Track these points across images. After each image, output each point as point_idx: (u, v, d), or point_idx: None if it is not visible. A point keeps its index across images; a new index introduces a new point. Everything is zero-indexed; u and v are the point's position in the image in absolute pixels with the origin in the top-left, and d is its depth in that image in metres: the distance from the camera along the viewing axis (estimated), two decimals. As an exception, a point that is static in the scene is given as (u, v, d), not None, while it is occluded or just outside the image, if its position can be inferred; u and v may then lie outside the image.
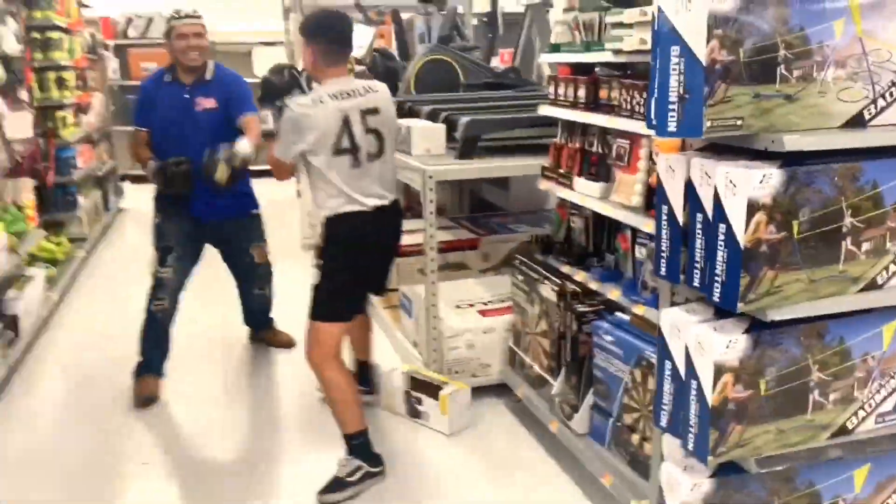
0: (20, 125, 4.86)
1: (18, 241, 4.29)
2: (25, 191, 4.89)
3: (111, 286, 5.48)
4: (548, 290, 3.10)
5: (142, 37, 9.62)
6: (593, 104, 2.84)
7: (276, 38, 8.85)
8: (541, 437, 3.17)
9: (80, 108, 6.59)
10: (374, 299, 4.70)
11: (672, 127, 1.74)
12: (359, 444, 2.89)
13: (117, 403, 3.61)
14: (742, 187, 1.69)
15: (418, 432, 3.28)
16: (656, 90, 1.77)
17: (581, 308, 2.93)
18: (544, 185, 3.19)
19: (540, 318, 3.19)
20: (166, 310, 3.73)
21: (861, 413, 1.97)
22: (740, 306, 1.75)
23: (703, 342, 1.81)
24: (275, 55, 9.12)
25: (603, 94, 2.79)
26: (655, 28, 1.77)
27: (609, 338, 2.70)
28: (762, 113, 1.73)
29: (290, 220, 6.68)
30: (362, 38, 6.26)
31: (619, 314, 2.77)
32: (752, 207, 1.69)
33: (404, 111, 4.35)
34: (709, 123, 1.70)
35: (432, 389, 3.27)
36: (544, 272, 3.17)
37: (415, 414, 3.34)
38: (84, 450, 3.21)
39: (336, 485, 2.82)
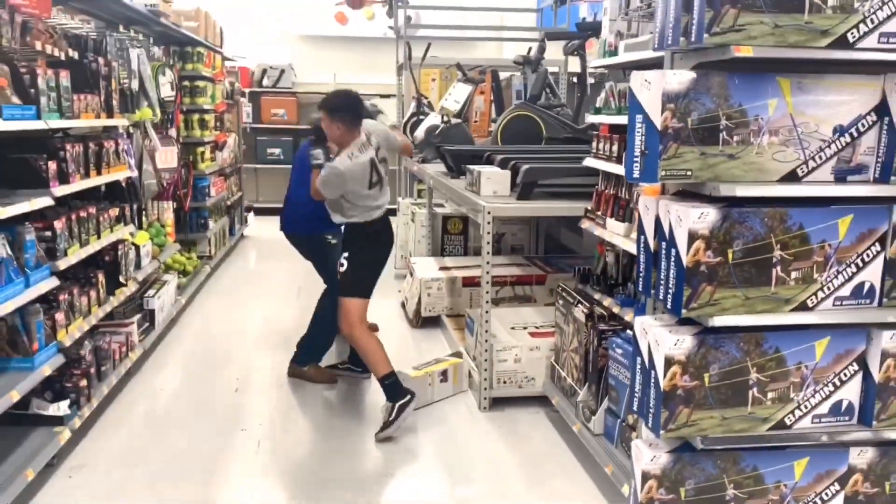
0: (168, 157, 5.85)
1: (159, 251, 5.24)
2: (167, 212, 5.88)
3: (229, 299, 6.39)
4: (579, 313, 3.64)
5: (274, 86, 10.82)
6: (623, 158, 3.40)
7: (391, 91, 9.79)
8: (568, 439, 3.70)
9: (217, 146, 7.66)
10: (446, 320, 5.37)
11: (636, 174, 2.32)
12: (390, 383, 3.79)
13: (222, 385, 4.39)
14: (685, 221, 2.24)
15: (441, 430, 3.87)
16: (629, 147, 2.36)
17: (602, 327, 3.46)
18: (585, 224, 3.76)
19: (573, 337, 3.73)
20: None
21: (798, 412, 2.44)
22: (684, 312, 2.28)
23: (658, 339, 2.35)
24: (388, 105, 10.13)
25: (631, 149, 3.36)
26: (629, 102, 2.36)
27: (619, 350, 3.22)
28: (709, 167, 2.28)
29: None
30: (460, 94, 7.01)
31: (630, 332, 3.28)
32: (693, 236, 2.24)
33: (484, 160, 5.02)
34: (663, 173, 2.27)
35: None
36: (579, 298, 3.72)
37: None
38: (195, 415, 3.99)
39: (384, 426, 3.75)
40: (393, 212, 7.79)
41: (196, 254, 6.69)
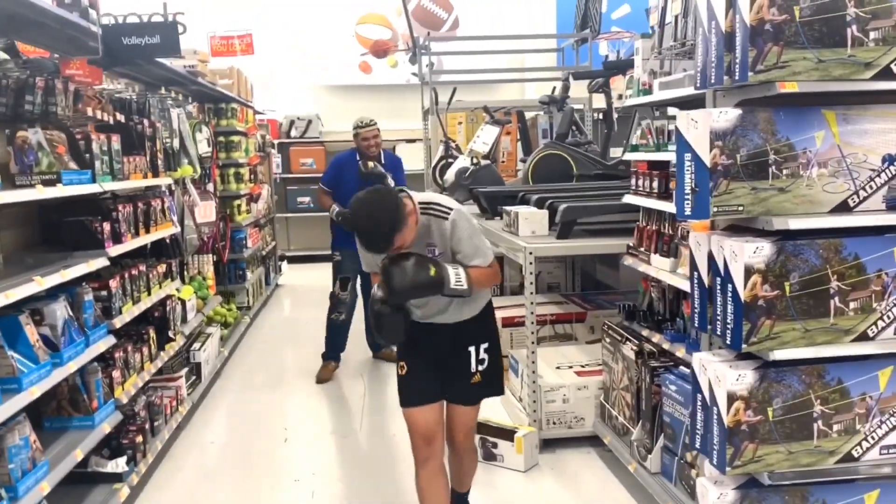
0: (207, 212, 5.97)
1: (203, 304, 5.32)
2: (208, 265, 5.98)
3: (270, 348, 6.45)
4: (629, 350, 3.64)
5: (301, 136, 11.03)
6: (665, 193, 3.43)
7: (416, 136, 9.94)
8: (622, 479, 3.66)
9: (251, 198, 7.80)
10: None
11: (688, 211, 2.34)
12: None
13: (271, 436, 4.41)
14: (741, 256, 2.25)
15: (495, 473, 3.82)
16: (679, 185, 2.38)
17: (653, 363, 3.45)
18: (629, 261, 3.78)
19: (623, 374, 3.72)
20: (343, 321, 5.48)
21: (865, 444, 2.40)
22: (744, 347, 2.28)
23: (719, 375, 2.34)
24: (414, 149, 10.27)
25: (672, 185, 3.38)
26: (676, 141, 2.40)
27: (674, 387, 3.20)
28: (760, 201, 2.30)
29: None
30: (488, 136, 7.10)
31: (683, 368, 3.27)
32: (749, 271, 2.25)
33: (518, 200, 5.06)
34: (715, 209, 2.29)
35: (506, 434, 3.86)
36: (627, 335, 3.72)
37: (490, 457, 3.90)
38: (247, 467, 4.01)
39: None
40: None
41: (235, 305, 6.77)
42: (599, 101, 7.76)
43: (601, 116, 8.14)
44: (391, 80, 11.13)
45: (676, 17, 3.26)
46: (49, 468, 2.75)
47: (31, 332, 2.72)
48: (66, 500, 3.23)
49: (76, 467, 3.22)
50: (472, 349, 2.91)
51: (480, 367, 2.93)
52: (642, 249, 3.63)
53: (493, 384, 3.00)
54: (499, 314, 5.58)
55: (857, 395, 2.38)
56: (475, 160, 6.76)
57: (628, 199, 3.74)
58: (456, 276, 2.68)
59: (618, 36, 9.77)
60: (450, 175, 6.95)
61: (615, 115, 7.19)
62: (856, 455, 2.41)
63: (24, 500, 2.54)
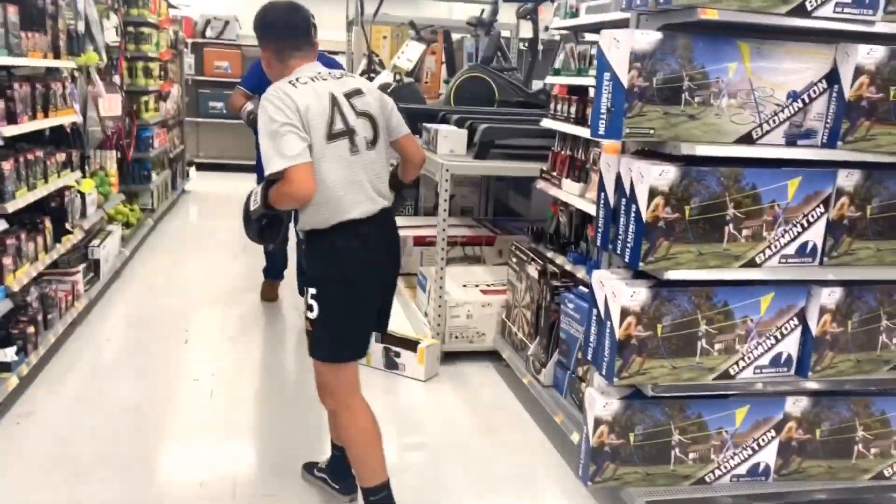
0: (112, 105, 5.67)
1: (104, 201, 5.11)
2: (111, 161, 5.71)
3: (173, 253, 6.28)
4: (532, 270, 3.74)
5: (217, 38, 10.52)
6: (581, 119, 3.48)
7: (340, 49, 9.66)
8: (517, 391, 3.82)
9: (160, 96, 7.44)
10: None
11: (601, 131, 2.39)
12: (378, 500, 2.54)
13: (171, 337, 4.35)
14: (647, 178, 2.33)
15: (396, 381, 3.93)
16: (596, 104, 2.42)
17: (555, 283, 3.56)
18: (541, 184, 3.84)
19: (525, 293, 3.83)
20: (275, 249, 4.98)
21: (741, 363, 2.58)
22: (641, 265, 2.39)
23: (615, 291, 2.45)
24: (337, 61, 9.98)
25: (589, 110, 3.43)
26: (597, 60, 2.43)
27: (571, 305, 3.33)
28: (670, 126, 2.37)
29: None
30: (413, 53, 6.99)
31: (582, 288, 3.39)
32: (653, 193, 2.33)
33: (438, 119, 5.04)
34: (627, 130, 2.34)
35: (409, 344, 3.95)
36: (532, 255, 3.82)
37: (392, 366, 4.00)
38: (144, 366, 3.95)
39: None
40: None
41: (139, 206, 6.54)
42: (527, 29, 7.74)
43: (526, 45, 8.12)
44: (316, -12, 10.69)
45: (608, -60, 3.25)
46: (-70, 349, 2.63)
47: (-88, 206, 2.56)
48: (-51, 386, 3.12)
49: (-39, 355, 3.11)
50: (308, 289, 2.49)
51: (308, 314, 2.47)
52: (555, 174, 3.70)
53: (312, 344, 2.51)
54: (411, 232, 5.66)
55: (739, 318, 2.53)
56: (398, 76, 6.64)
57: (546, 123, 3.78)
58: (253, 196, 2.43)
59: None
60: (371, 90, 6.83)
61: (540, 46, 7.19)
62: (732, 373, 2.58)
63: None
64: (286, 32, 2.52)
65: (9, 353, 3.34)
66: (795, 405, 2.69)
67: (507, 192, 6.81)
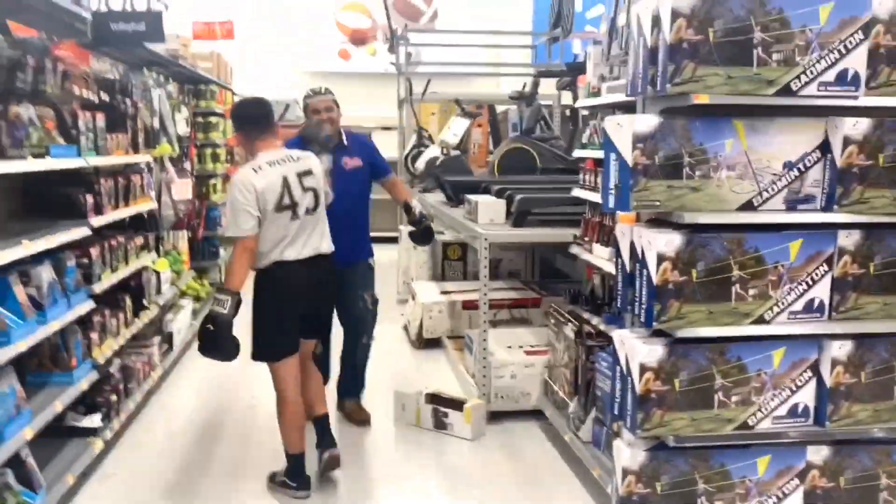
0: (184, 190, 6.19)
1: (177, 278, 5.57)
2: (182, 241, 6.22)
3: (237, 323, 6.68)
4: (569, 331, 3.97)
5: (279, 120, 11.19)
6: (607, 189, 3.75)
7: (392, 124, 10.19)
8: (560, 448, 4.00)
9: (226, 178, 8.02)
10: (446, 342, 5.68)
11: (611, 204, 2.66)
12: (293, 466, 3.50)
13: (231, 401, 4.69)
14: (654, 245, 2.58)
15: (445, 441, 4.15)
16: (605, 181, 2.70)
17: (590, 343, 3.78)
18: (575, 249, 4.10)
19: (564, 353, 4.05)
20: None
21: (759, 414, 2.75)
22: (654, 325, 2.61)
23: (633, 349, 2.67)
24: (389, 137, 10.53)
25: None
26: (603, 141, 2.71)
27: (605, 364, 3.53)
28: (675, 198, 2.62)
29: (388, 278, 7.80)
30: (459, 128, 7.40)
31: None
32: (661, 258, 2.57)
33: (480, 190, 5.37)
34: (635, 203, 2.61)
35: (456, 405, 4.20)
36: (569, 317, 4.05)
37: (440, 426, 4.23)
38: (214, 428, 4.28)
39: (271, 477, 3.61)
40: (395, 239, 8.14)
41: (208, 281, 7.02)
42: (568, 98, 8.08)
43: (568, 113, 8.46)
44: (369, 68, 11.37)
45: (622, 28, 3.58)
46: (32, 416, 3.01)
47: (19, 292, 2.98)
48: (45, 450, 3.48)
49: (54, 421, 3.47)
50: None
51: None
52: (587, 239, 3.95)
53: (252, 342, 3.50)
54: (459, 297, 5.95)
55: (753, 371, 2.72)
56: (445, 150, 7.06)
57: (576, 192, 4.06)
58: (218, 307, 3.30)
59: (590, 35, 10.08)
60: (421, 163, 7.25)
61: (582, 112, 7.48)
62: (751, 424, 2.75)
63: (9, 443, 2.80)
64: (252, 123, 3.46)
65: (95, 420, 3.72)
66: (817, 454, 2.82)
67: (554, 255, 7.06)
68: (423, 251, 7.07)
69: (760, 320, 2.68)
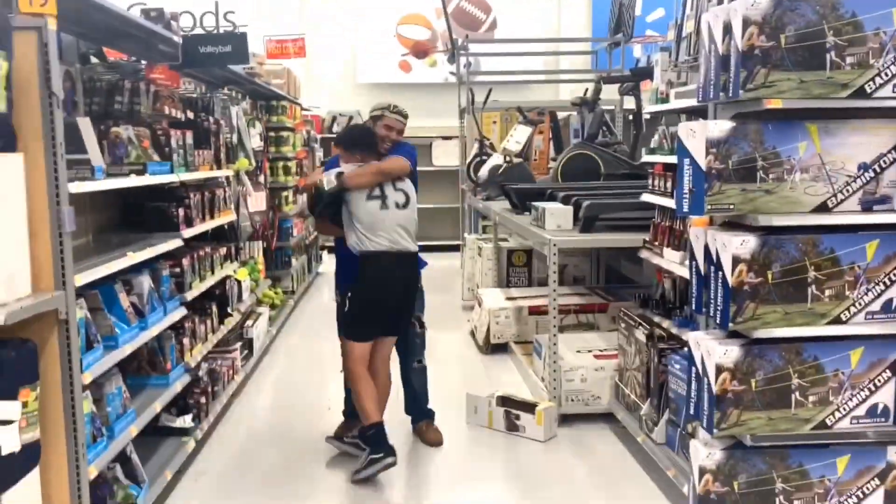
0: (259, 202, 6.45)
1: (255, 286, 5.81)
2: (258, 251, 6.47)
3: (310, 329, 6.94)
4: (640, 334, 4.02)
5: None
6: (677, 193, 3.79)
7: (452, 134, 10.35)
8: (632, 449, 4.05)
9: (297, 190, 8.28)
10: (514, 347, 5.77)
11: (685, 208, 2.73)
12: (372, 434, 3.75)
13: (309, 404, 4.88)
14: (729, 247, 2.64)
15: (517, 442, 4.24)
16: (679, 185, 2.77)
17: (662, 346, 3.83)
18: (645, 254, 4.15)
19: (635, 356, 4.10)
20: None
21: (837, 414, 2.77)
22: (731, 326, 2.67)
23: (709, 350, 2.73)
24: (450, 146, 10.69)
25: (684, 186, 3.75)
26: (677, 147, 2.78)
27: (678, 366, 3.58)
28: (749, 201, 2.68)
29: (453, 285, 7.94)
30: (521, 136, 7.48)
31: (687, 350, 3.64)
32: (736, 260, 2.63)
33: (546, 197, 5.45)
34: (709, 207, 2.67)
35: (528, 407, 4.29)
36: (640, 321, 4.10)
37: (513, 428, 4.32)
38: (294, 430, 4.47)
39: (356, 471, 3.76)
40: (457, 247, 8.25)
41: (282, 289, 7.26)
42: (631, 102, 8.09)
43: (631, 118, 8.47)
44: (430, 79, 11.56)
45: (690, 34, 3.63)
46: (136, 415, 3.23)
47: (123, 300, 3.20)
48: (144, 448, 3.70)
49: (149, 422, 3.71)
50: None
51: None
52: (656, 244, 4.00)
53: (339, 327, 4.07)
54: (526, 303, 6.03)
55: (830, 371, 2.74)
56: (508, 158, 7.15)
57: (646, 197, 4.11)
58: (327, 178, 3.87)
59: (650, 39, 10.08)
60: (483, 172, 7.36)
61: (644, 118, 7.51)
62: (829, 423, 2.77)
63: (118, 439, 3.01)
64: (360, 149, 3.96)
65: (187, 420, 3.94)
66: (898, 454, 2.82)
67: (619, 260, 7.08)
68: (489, 258, 7.18)
69: (837, 320, 2.71)
